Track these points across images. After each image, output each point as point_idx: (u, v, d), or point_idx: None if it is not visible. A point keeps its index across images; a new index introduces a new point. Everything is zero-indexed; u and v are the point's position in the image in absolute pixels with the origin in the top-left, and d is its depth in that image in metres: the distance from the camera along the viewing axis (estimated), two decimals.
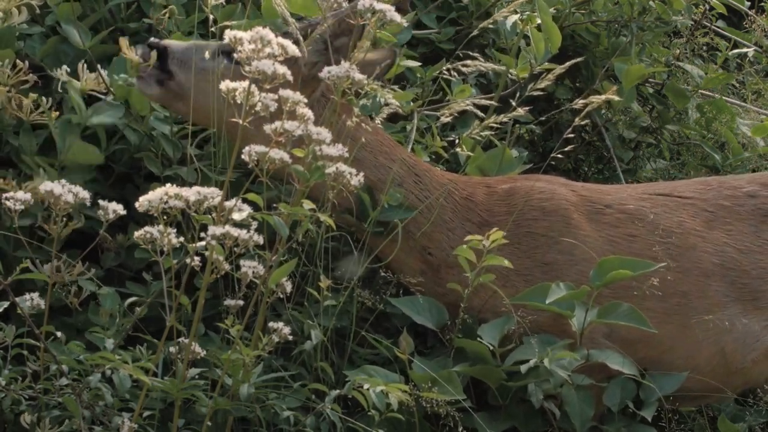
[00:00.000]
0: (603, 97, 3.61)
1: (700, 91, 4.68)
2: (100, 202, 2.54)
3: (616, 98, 3.65)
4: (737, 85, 5.71)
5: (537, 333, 3.14)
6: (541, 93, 3.71)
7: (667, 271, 3.22)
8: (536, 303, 3.09)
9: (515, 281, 3.22)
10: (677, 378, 3.21)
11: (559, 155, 3.68)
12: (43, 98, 3.14)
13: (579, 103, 3.66)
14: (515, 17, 3.88)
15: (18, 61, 3.14)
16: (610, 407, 3.16)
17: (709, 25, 4.80)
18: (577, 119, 3.61)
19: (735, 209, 3.42)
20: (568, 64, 3.65)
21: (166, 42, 3.16)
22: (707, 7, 4.66)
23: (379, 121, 3.38)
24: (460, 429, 2.92)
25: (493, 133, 3.57)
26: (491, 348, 3.09)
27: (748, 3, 5.15)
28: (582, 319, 3.09)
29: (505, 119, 3.47)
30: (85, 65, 3.24)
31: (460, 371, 3.06)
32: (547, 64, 3.80)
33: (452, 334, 3.17)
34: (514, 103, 3.59)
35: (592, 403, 3.08)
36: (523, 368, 3.02)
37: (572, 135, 3.74)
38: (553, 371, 3.02)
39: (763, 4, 5.64)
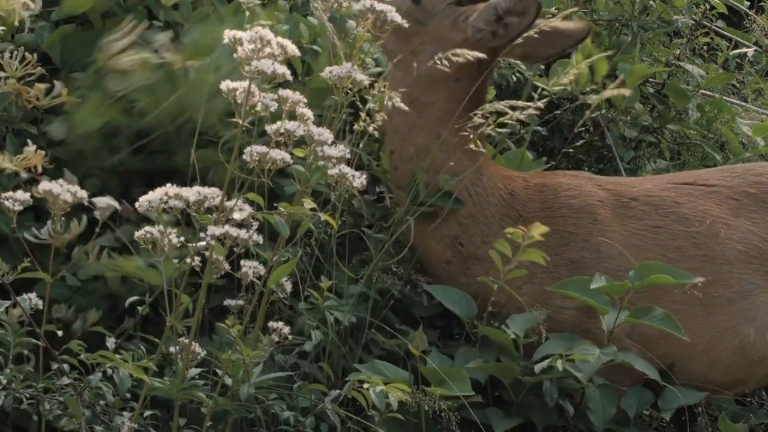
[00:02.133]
0: (615, 85, 3.55)
1: (700, 90, 4.67)
2: (94, 199, 2.53)
3: (627, 92, 3.56)
4: (737, 84, 5.71)
5: (559, 331, 3.12)
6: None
7: (691, 260, 3.22)
8: (572, 293, 3.06)
9: (541, 277, 3.19)
10: (696, 395, 3.19)
11: (570, 149, 3.62)
12: (57, 82, 3.12)
13: (600, 91, 3.57)
14: None
15: (26, 54, 3.12)
16: (626, 411, 3.13)
17: (709, 25, 4.80)
18: (588, 111, 3.53)
19: (761, 197, 3.40)
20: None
21: None
22: (707, 6, 4.66)
23: None
24: (457, 430, 2.89)
25: (507, 131, 3.50)
26: (514, 338, 3.05)
27: (748, 3, 5.15)
28: (613, 319, 3.07)
29: (521, 116, 3.41)
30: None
31: (475, 368, 3.04)
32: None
33: (479, 325, 3.12)
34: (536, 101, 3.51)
35: (614, 401, 3.05)
36: (537, 368, 2.98)
37: (582, 128, 3.67)
38: (571, 373, 2.99)
39: (763, 4, 5.65)
